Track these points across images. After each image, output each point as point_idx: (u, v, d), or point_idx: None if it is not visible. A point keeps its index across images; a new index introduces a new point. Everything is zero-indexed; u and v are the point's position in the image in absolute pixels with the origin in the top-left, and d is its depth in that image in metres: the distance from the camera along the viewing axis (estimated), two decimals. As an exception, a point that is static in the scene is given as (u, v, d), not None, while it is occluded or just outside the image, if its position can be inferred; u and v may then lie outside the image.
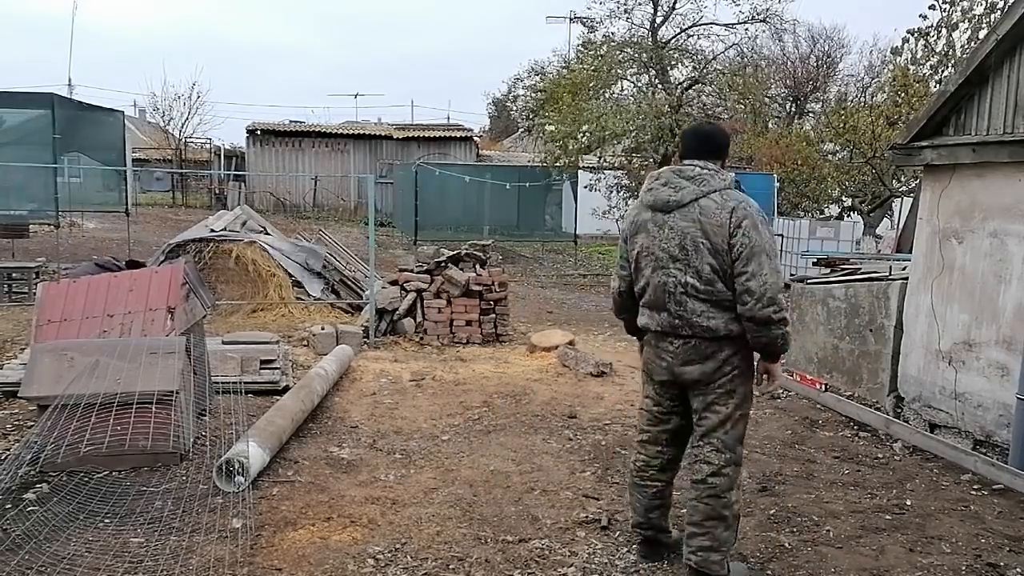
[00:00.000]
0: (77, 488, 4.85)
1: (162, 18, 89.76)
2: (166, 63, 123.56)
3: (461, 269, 10.31)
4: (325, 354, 8.31)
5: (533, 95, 22.94)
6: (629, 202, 21.97)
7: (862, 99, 26.38)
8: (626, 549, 4.44)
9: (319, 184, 29.21)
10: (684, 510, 4.98)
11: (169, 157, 34.77)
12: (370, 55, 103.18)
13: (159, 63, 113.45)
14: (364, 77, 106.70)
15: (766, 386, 4.14)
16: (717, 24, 17.83)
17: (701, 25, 17.74)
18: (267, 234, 12.31)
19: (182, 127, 36.65)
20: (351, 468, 5.56)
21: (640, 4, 17.62)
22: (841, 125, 18.68)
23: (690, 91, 17.88)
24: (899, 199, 19.91)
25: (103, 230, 20.46)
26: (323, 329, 9.40)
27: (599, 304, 14.39)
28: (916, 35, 17.02)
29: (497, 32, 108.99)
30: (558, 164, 18.75)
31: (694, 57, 17.82)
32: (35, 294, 6.40)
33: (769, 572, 4.23)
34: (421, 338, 9.93)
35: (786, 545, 4.54)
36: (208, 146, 35.95)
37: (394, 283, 10.33)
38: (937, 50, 16.79)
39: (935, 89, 13.90)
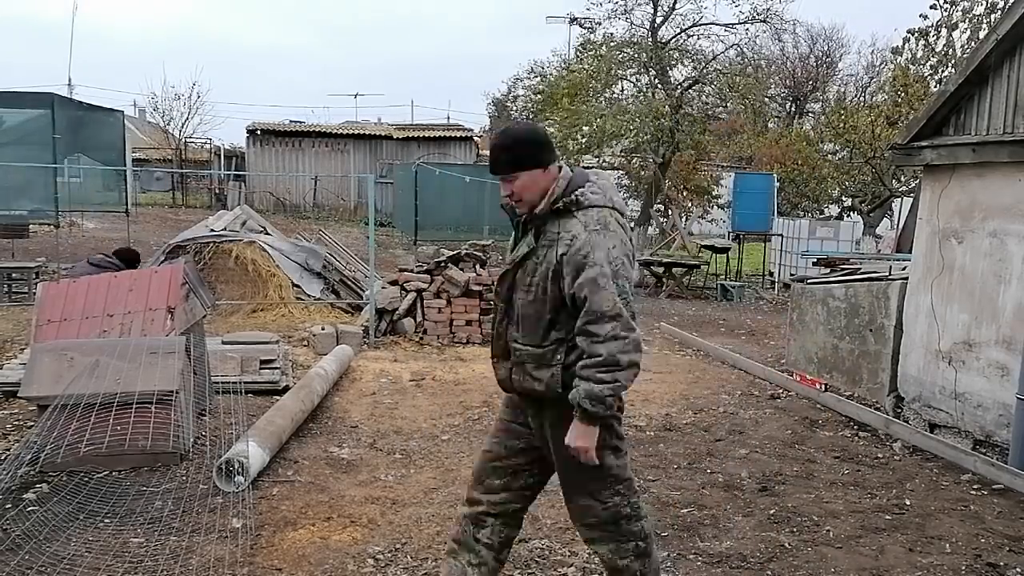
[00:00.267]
0: (77, 488, 4.85)
1: (162, 19, 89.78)
2: (166, 63, 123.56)
3: (461, 269, 10.31)
4: (325, 354, 8.31)
5: (533, 96, 22.95)
6: (628, 202, 21.99)
7: (862, 99, 26.41)
8: (626, 549, 4.43)
9: (319, 184, 29.21)
10: (684, 509, 4.99)
11: (169, 157, 34.76)
12: (370, 55, 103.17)
13: (159, 63, 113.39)
14: (364, 77, 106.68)
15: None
16: (717, 24, 17.83)
17: (701, 25, 17.75)
18: (267, 234, 12.31)
19: (182, 127, 36.72)
20: (351, 468, 5.56)
21: (640, 4, 17.64)
22: (841, 125, 18.69)
23: (690, 91, 17.88)
24: (899, 199, 19.92)
25: (103, 230, 20.45)
26: (323, 329, 9.40)
27: (599, 304, 14.36)
28: (916, 35, 17.05)
29: (497, 32, 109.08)
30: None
31: (694, 57, 17.81)
32: (35, 294, 6.40)
33: (769, 572, 4.23)
34: (421, 338, 9.93)
35: (786, 545, 4.53)
36: (208, 146, 35.96)
37: (394, 283, 10.34)
38: (937, 50, 16.80)
39: (935, 89, 13.91)
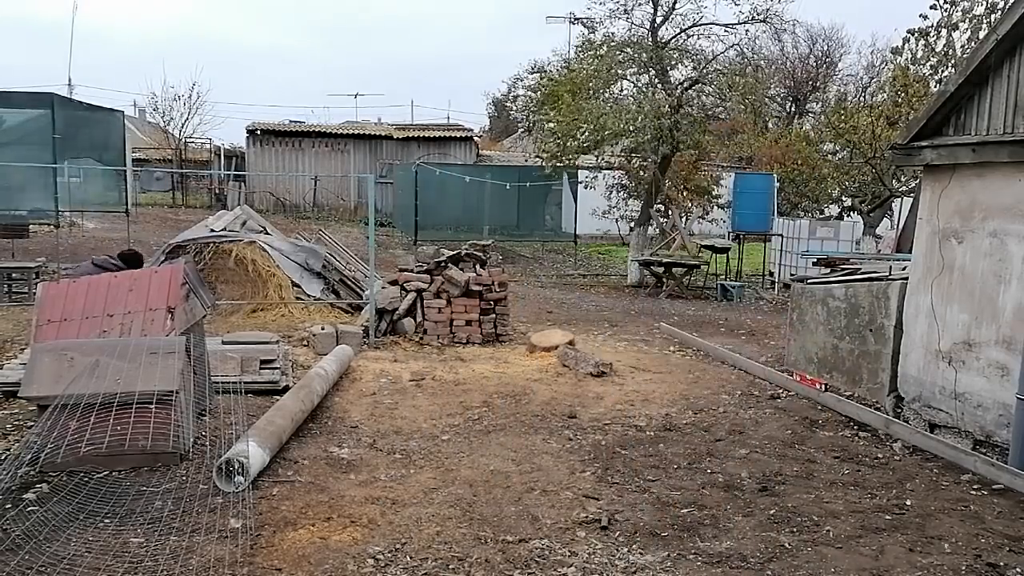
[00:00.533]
0: (77, 488, 4.85)
1: (162, 19, 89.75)
2: (166, 64, 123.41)
3: (461, 269, 10.31)
4: (325, 354, 8.31)
5: (533, 95, 22.91)
6: (628, 202, 21.98)
7: (862, 99, 26.41)
8: (626, 549, 4.44)
9: (319, 184, 29.21)
10: (684, 509, 4.99)
11: (169, 157, 34.75)
12: (370, 55, 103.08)
13: (159, 63, 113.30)
14: (364, 77, 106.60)
15: None
16: (717, 24, 17.78)
17: (701, 25, 17.69)
18: (267, 234, 12.31)
19: (182, 127, 36.67)
20: (351, 468, 5.56)
21: (640, 4, 17.58)
22: (841, 125, 18.69)
23: (690, 91, 17.85)
24: (899, 199, 19.91)
25: (103, 230, 20.45)
26: (323, 329, 9.40)
27: (599, 304, 14.40)
28: (916, 35, 17.03)
29: (497, 32, 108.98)
30: (558, 164, 18.76)
31: (694, 57, 17.78)
32: (35, 294, 6.40)
33: (769, 572, 4.23)
34: (421, 338, 9.93)
35: (786, 545, 4.54)
36: (208, 146, 35.94)
37: (394, 283, 10.34)
38: (937, 50, 16.79)
39: (935, 89, 13.91)
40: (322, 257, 11.82)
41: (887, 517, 4.98)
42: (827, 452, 6.25)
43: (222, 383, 6.89)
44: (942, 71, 16.41)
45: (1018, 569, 4.34)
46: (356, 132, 31.36)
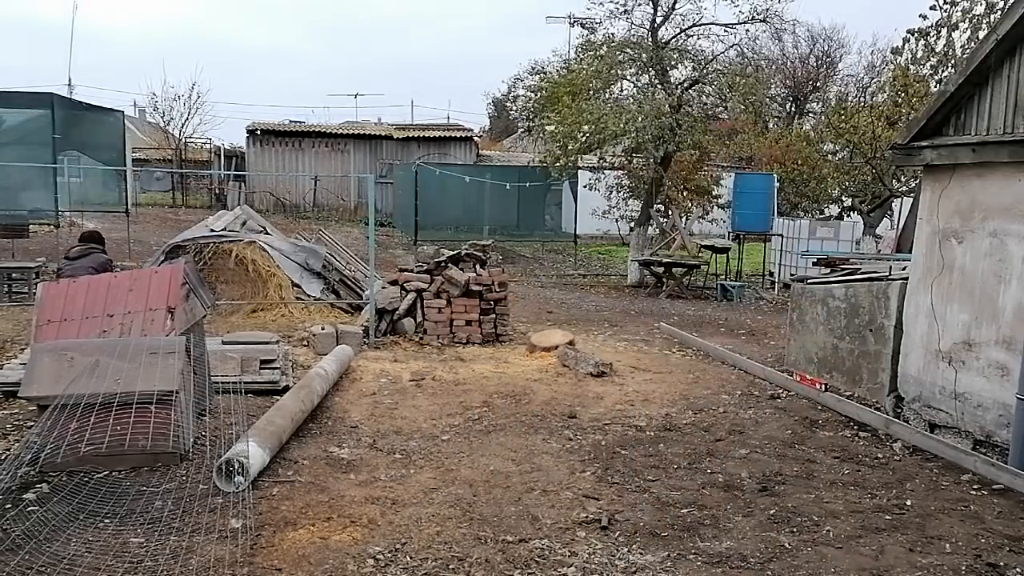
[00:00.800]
0: (77, 488, 4.85)
1: (162, 19, 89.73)
2: (166, 64, 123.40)
3: (461, 269, 10.31)
4: (325, 354, 8.32)
5: (533, 95, 22.90)
6: (629, 202, 21.96)
7: (862, 99, 26.40)
8: (626, 549, 4.44)
9: (319, 184, 29.22)
10: (684, 509, 4.99)
11: (169, 157, 34.75)
12: (370, 55, 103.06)
13: (159, 63, 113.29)
14: (364, 77, 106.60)
15: None
16: (717, 24, 17.78)
17: (701, 25, 17.69)
18: (267, 234, 12.31)
19: (182, 127, 36.65)
20: (351, 468, 5.56)
21: (640, 4, 17.58)
22: (841, 125, 18.69)
23: (690, 91, 17.84)
24: (899, 199, 19.92)
25: (103, 230, 20.36)
26: (323, 329, 9.40)
27: (599, 304, 14.40)
28: (916, 35, 17.05)
29: (497, 32, 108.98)
30: (558, 164, 18.76)
31: (694, 57, 17.78)
32: (35, 294, 6.40)
33: (769, 572, 4.23)
34: (421, 338, 9.93)
35: (786, 545, 4.54)
36: (208, 146, 35.95)
37: (394, 283, 10.34)
38: (937, 50, 16.80)
39: (935, 89, 13.91)
40: (322, 257, 11.82)
41: (887, 517, 4.98)
42: (827, 452, 6.25)
43: (222, 383, 6.89)
44: (942, 71, 16.42)
45: (1018, 569, 4.34)
46: (356, 132, 31.36)
